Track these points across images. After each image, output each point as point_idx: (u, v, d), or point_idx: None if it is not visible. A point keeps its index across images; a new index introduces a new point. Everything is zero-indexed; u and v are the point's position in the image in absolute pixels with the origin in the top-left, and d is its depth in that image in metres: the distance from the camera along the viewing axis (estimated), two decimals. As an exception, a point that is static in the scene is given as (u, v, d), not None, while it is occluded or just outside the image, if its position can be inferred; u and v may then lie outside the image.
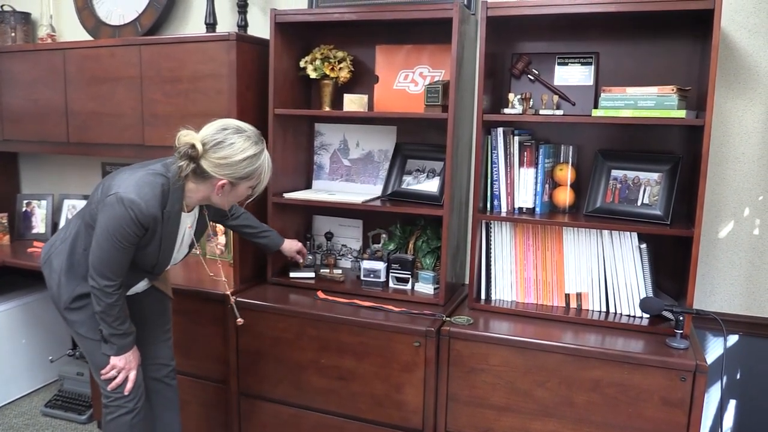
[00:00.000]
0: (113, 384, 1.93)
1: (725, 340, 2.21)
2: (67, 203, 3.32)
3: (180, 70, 2.47)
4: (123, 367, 1.92)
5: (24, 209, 3.37)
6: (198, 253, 2.97)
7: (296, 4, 2.76)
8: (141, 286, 2.05)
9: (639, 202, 2.14)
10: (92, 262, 1.80)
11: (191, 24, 3.00)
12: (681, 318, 1.96)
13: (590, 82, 2.28)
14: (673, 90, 1.97)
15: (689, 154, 2.16)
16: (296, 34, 2.52)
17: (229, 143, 1.75)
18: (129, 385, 1.94)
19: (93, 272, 1.80)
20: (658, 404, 1.89)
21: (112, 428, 1.97)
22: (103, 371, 1.92)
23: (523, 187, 2.25)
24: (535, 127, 2.38)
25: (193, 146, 1.74)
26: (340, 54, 2.52)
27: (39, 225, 3.35)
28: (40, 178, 3.55)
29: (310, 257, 2.58)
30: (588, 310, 2.21)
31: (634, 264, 2.13)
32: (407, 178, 2.53)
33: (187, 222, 1.96)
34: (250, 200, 1.94)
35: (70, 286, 1.92)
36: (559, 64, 2.32)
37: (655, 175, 2.15)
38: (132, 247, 1.80)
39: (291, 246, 2.43)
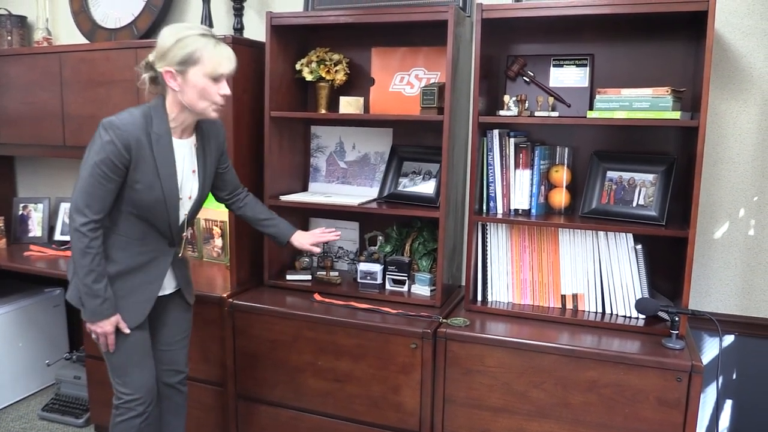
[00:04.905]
0: (103, 348, 1.90)
1: (721, 341, 2.21)
2: (63, 206, 3.31)
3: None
4: (100, 334, 1.87)
5: (20, 213, 3.36)
6: (195, 255, 2.98)
7: (292, 6, 2.77)
8: (168, 285, 2.01)
9: (634, 203, 2.15)
10: (73, 198, 1.79)
11: (187, 27, 3.00)
12: (676, 318, 1.96)
13: (585, 83, 2.29)
14: (667, 91, 1.97)
15: (684, 155, 2.17)
16: (292, 36, 2.52)
17: (160, 35, 1.83)
18: (111, 346, 1.90)
19: (72, 210, 1.78)
20: (654, 405, 1.89)
21: (120, 430, 1.97)
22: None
23: (519, 189, 2.26)
24: (531, 129, 2.39)
25: (147, 60, 1.84)
26: (335, 56, 2.52)
27: (35, 228, 3.35)
28: (37, 182, 3.54)
29: (307, 260, 2.59)
30: (584, 311, 2.21)
31: (629, 265, 2.13)
32: (403, 180, 2.53)
33: (184, 150, 1.91)
34: (225, 95, 1.84)
35: None
36: (555, 65, 2.33)
37: (650, 176, 2.15)
38: (115, 178, 1.77)
39: (304, 239, 2.23)
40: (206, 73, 1.80)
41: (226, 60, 1.83)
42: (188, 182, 1.95)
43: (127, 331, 1.91)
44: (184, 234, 2.01)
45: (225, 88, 1.84)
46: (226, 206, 2.22)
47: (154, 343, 2.02)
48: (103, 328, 1.86)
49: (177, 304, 2.10)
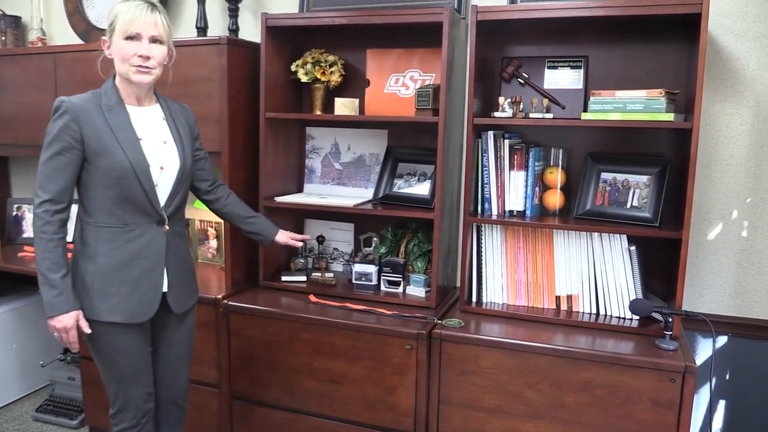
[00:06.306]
0: (67, 346, 1.84)
1: (714, 341, 2.22)
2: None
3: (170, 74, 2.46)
4: (59, 330, 1.78)
5: (14, 213, 3.35)
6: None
7: (287, 8, 2.77)
8: (166, 281, 1.91)
9: (628, 205, 2.16)
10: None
11: (182, 28, 3.00)
12: (670, 319, 1.97)
13: (580, 85, 2.30)
14: (661, 93, 1.98)
15: (678, 157, 2.18)
16: (287, 38, 2.52)
17: None
18: (75, 346, 1.82)
19: (34, 195, 1.77)
20: (648, 405, 1.90)
21: None
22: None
23: (514, 190, 2.27)
24: (526, 131, 2.39)
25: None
26: (331, 58, 2.52)
27: (29, 229, 3.34)
28: (31, 183, 3.52)
29: (302, 261, 2.59)
30: (578, 312, 2.22)
31: (623, 266, 2.14)
32: (398, 182, 2.54)
33: (148, 118, 1.88)
34: (141, 55, 1.79)
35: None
36: (549, 67, 2.34)
37: (644, 178, 2.16)
38: (67, 155, 1.74)
39: (284, 236, 2.28)
40: (121, 33, 1.80)
41: (140, 19, 1.79)
42: (161, 152, 1.88)
43: (88, 330, 1.82)
44: (164, 207, 1.88)
45: (143, 49, 1.79)
46: (210, 205, 2.16)
47: (156, 362, 1.98)
48: (62, 323, 1.77)
49: (178, 319, 2.01)
